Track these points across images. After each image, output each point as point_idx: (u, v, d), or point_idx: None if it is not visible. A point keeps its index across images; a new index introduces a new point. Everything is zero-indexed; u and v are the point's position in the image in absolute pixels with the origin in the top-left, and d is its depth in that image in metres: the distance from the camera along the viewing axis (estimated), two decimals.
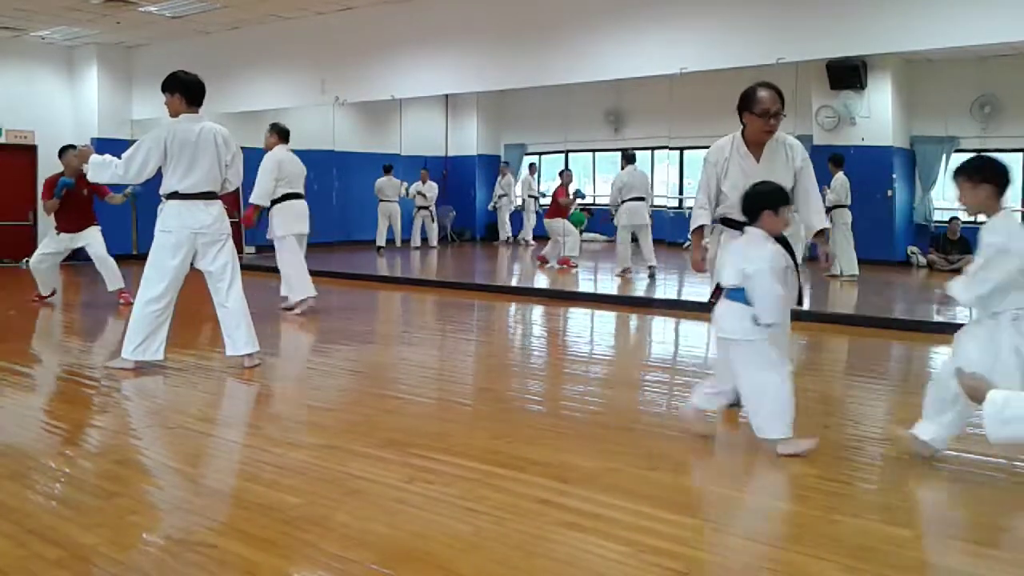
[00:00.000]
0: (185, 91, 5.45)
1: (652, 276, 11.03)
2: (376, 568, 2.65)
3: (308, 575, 2.72)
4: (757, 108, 4.32)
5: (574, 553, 2.78)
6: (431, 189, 16.43)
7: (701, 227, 4.58)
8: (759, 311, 3.72)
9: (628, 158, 11.69)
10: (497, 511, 3.11)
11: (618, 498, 3.24)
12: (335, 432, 4.26)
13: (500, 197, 17.67)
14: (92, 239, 8.75)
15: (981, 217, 3.63)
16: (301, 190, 8.33)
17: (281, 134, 8.38)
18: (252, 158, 16.68)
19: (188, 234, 5.43)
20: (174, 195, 5.43)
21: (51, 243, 8.79)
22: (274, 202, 8.14)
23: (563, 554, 2.77)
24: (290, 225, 8.18)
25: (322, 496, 3.28)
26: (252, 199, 8.09)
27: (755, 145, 4.42)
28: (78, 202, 8.62)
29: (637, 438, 4.20)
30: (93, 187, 8.40)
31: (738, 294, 3.80)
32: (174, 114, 5.48)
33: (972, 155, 3.79)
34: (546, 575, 2.66)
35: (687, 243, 15.37)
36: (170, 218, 5.45)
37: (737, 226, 4.40)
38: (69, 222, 8.68)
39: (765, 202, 3.86)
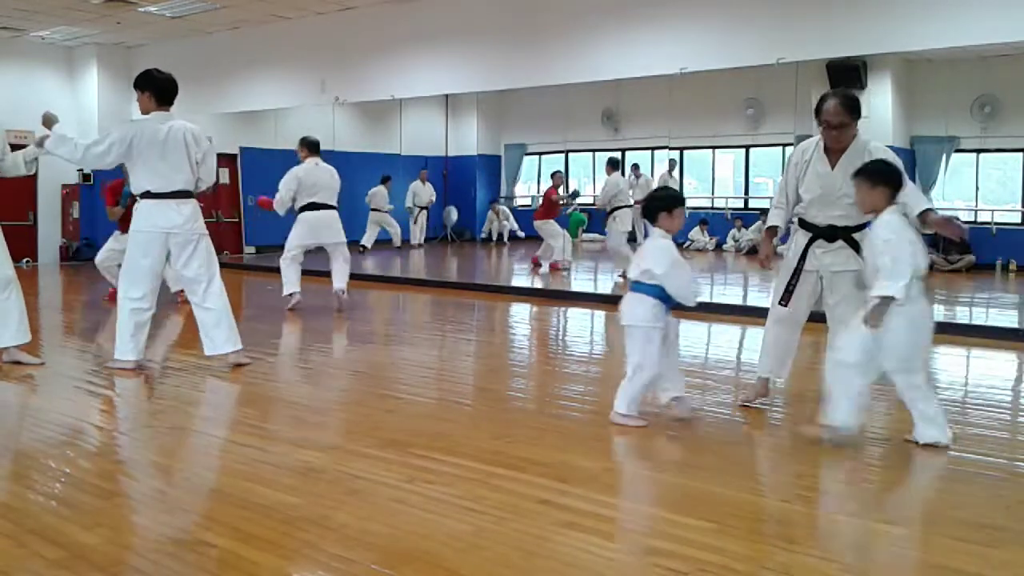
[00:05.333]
0: (156, 89, 5.45)
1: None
2: (376, 568, 2.65)
3: (308, 575, 2.72)
4: (821, 119, 4.34)
5: (574, 553, 2.78)
6: (430, 190, 17.05)
7: (774, 227, 4.64)
8: (680, 299, 4.26)
9: (614, 164, 11.62)
10: (497, 511, 3.11)
11: (618, 498, 3.24)
12: (335, 432, 4.26)
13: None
14: None
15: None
16: (329, 200, 8.50)
17: (310, 147, 8.53)
18: (253, 158, 16.74)
19: (159, 234, 5.41)
20: (147, 194, 5.43)
21: (116, 242, 8.82)
22: (299, 210, 8.48)
23: (563, 554, 2.77)
24: (306, 235, 8.53)
25: (322, 496, 3.28)
26: (274, 204, 8.46)
27: (833, 151, 4.40)
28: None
29: (637, 438, 4.20)
30: None
31: (640, 287, 4.27)
32: (144, 112, 5.49)
33: (877, 160, 4.08)
34: (546, 575, 2.66)
35: (688, 243, 15.50)
36: (141, 218, 5.46)
37: (810, 227, 4.48)
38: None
39: (660, 205, 4.32)
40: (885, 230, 3.84)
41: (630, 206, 11.09)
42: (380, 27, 11.35)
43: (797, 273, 4.49)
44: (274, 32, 12.39)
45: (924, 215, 4.14)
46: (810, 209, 4.47)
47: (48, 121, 5.50)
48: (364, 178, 15.70)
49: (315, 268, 9.98)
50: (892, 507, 3.29)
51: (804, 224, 4.53)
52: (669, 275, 4.21)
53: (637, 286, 4.29)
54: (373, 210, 15.57)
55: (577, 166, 18.42)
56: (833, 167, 4.38)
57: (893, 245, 3.78)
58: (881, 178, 3.92)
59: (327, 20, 11.76)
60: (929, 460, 3.81)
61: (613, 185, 11.19)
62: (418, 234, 16.93)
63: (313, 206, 8.41)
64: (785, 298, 4.53)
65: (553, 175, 13.31)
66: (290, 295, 8.53)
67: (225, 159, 14.86)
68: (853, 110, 4.31)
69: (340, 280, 8.57)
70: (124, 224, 8.85)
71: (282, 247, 8.88)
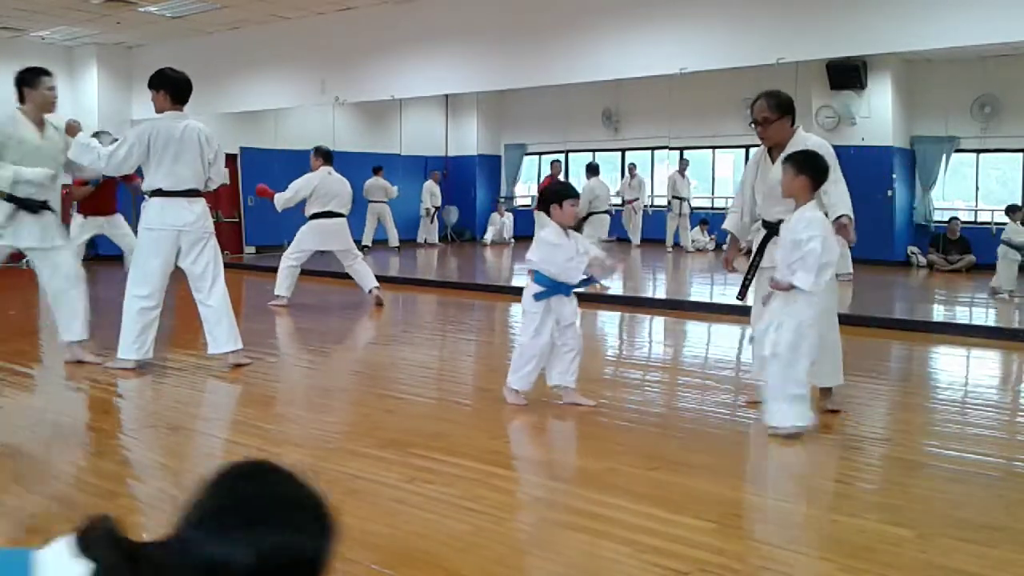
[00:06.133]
0: (171, 88, 5.46)
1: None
2: (376, 568, 2.65)
3: None
4: (752, 118, 4.51)
5: (573, 553, 2.78)
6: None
7: (731, 232, 4.86)
8: (562, 279, 4.47)
9: (592, 169, 11.63)
10: (496, 511, 3.11)
11: (618, 498, 3.24)
12: (335, 432, 4.26)
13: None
14: (123, 228, 8.82)
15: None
16: (340, 209, 8.81)
17: (325, 156, 8.87)
18: (253, 158, 16.73)
19: (171, 231, 5.43)
20: (158, 192, 5.44)
21: (85, 231, 8.73)
22: (310, 217, 8.79)
23: (563, 554, 2.77)
24: (314, 242, 8.80)
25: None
26: (276, 198, 8.73)
27: (774, 149, 4.54)
28: (108, 186, 8.57)
29: (637, 438, 4.20)
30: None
31: (534, 276, 4.55)
32: (159, 111, 5.50)
33: (808, 150, 4.21)
34: (546, 575, 2.66)
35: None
36: (153, 215, 5.45)
37: (764, 225, 4.63)
38: (99, 206, 8.65)
39: (550, 198, 4.54)
40: (810, 227, 3.96)
41: (607, 211, 11.05)
42: (380, 27, 11.35)
43: (753, 268, 4.67)
44: (274, 32, 12.38)
45: (837, 220, 4.29)
46: (763, 207, 4.65)
47: (72, 129, 5.51)
48: (364, 178, 15.68)
49: (316, 269, 10.00)
50: (892, 507, 3.29)
51: (763, 222, 4.69)
52: (543, 259, 4.48)
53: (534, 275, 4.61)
54: (371, 202, 15.59)
55: (577, 166, 18.37)
56: (773, 164, 4.52)
57: (819, 242, 3.91)
58: (804, 167, 4.04)
59: (327, 20, 11.76)
60: (929, 460, 3.81)
61: (589, 191, 10.98)
62: (433, 233, 17.17)
63: (325, 214, 8.73)
64: (741, 292, 4.78)
65: (552, 163, 13.35)
66: (278, 296, 8.72)
67: (225, 159, 14.83)
68: (779, 107, 4.46)
69: (369, 281, 8.85)
70: (88, 207, 8.63)
71: (282, 247, 8.97)
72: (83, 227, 8.71)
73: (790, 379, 3.98)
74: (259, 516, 1.28)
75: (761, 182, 4.61)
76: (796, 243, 3.97)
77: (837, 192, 4.36)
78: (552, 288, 4.51)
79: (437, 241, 17.19)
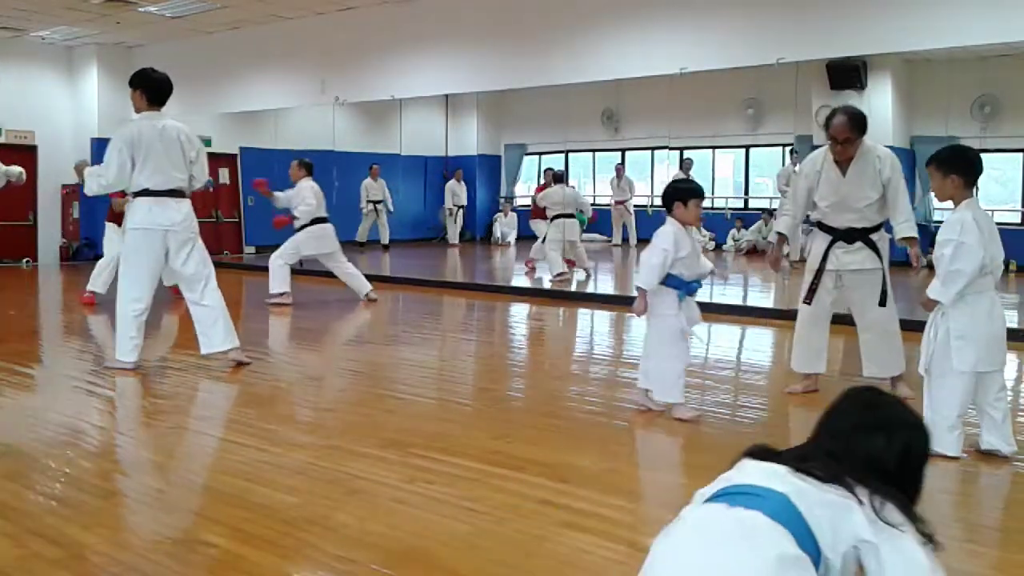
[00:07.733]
0: (149, 89, 5.50)
1: (588, 276, 11.39)
2: (376, 568, 2.65)
3: (308, 575, 2.72)
4: (829, 133, 4.60)
5: (574, 553, 2.78)
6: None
7: (781, 233, 5.00)
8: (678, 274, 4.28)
9: (557, 177, 11.70)
10: (497, 511, 3.10)
11: (618, 498, 3.24)
12: (335, 432, 4.26)
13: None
14: None
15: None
16: (326, 215, 9.29)
17: (309, 168, 9.24)
18: (253, 158, 16.72)
19: (159, 231, 5.42)
20: (144, 192, 5.43)
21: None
22: (304, 226, 9.06)
23: (563, 554, 2.77)
24: (311, 246, 9.08)
25: (322, 496, 3.28)
26: (277, 197, 9.10)
27: (842, 160, 4.63)
28: None
29: (637, 438, 4.20)
30: None
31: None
32: (137, 111, 5.55)
33: (952, 146, 3.98)
34: (546, 575, 2.66)
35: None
36: (141, 215, 5.44)
37: (829, 231, 4.76)
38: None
39: (675, 196, 4.36)
40: (949, 230, 3.68)
41: (571, 215, 11.00)
42: (380, 27, 11.34)
43: (820, 273, 4.78)
44: (274, 32, 12.38)
45: (903, 240, 4.59)
46: (828, 214, 4.75)
47: (81, 170, 5.68)
48: (364, 178, 15.70)
49: (315, 269, 10.00)
50: None
51: (823, 227, 4.79)
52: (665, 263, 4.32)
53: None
54: (370, 201, 15.59)
55: (577, 166, 18.42)
56: (844, 175, 4.64)
57: (952, 247, 3.63)
58: (952, 167, 3.75)
59: (327, 20, 11.76)
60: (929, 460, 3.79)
61: (545, 196, 11.27)
62: (454, 234, 17.23)
63: (321, 220, 9.09)
64: (808, 296, 4.85)
65: (545, 171, 13.36)
66: (281, 293, 8.88)
67: (225, 159, 14.84)
68: (859, 127, 4.56)
69: (364, 284, 9.21)
70: (121, 217, 8.84)
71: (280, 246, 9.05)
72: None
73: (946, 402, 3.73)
74: (898, 420, 1.88)
75: (828, 190, 4.69)
76: (944, 243, 3.69)
77: (906, 209, 4.61)
78: (684, 287, 4.37)
79: (458, 240, 17.23)
